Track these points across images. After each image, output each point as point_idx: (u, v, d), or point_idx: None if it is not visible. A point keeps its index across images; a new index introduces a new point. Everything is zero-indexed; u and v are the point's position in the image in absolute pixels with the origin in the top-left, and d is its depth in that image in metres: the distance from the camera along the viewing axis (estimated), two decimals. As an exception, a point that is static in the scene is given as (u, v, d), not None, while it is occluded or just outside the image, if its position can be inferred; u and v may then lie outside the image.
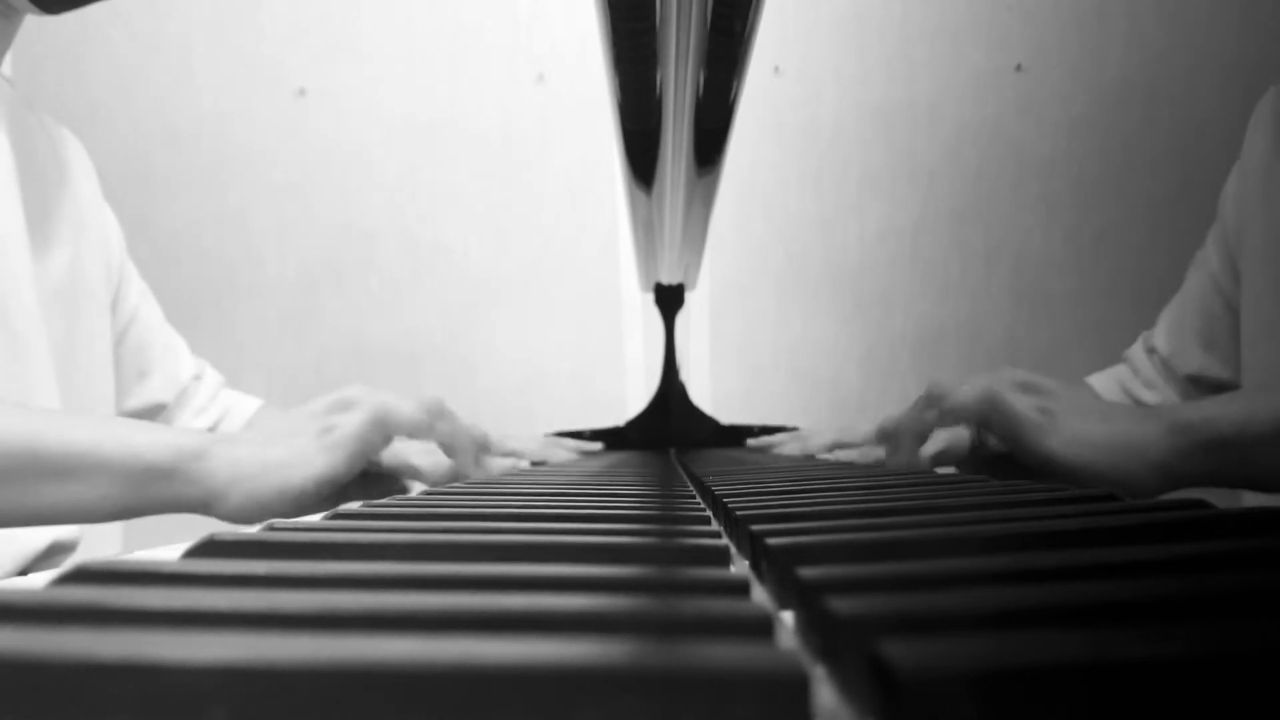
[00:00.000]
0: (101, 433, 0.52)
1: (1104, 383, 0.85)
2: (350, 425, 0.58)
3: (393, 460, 0.80)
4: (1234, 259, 0.78)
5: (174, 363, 0.83)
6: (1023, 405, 0.58)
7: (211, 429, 0.83)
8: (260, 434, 0.58)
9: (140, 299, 0.82)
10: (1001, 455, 0.67)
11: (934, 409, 0.62)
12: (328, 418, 0.59)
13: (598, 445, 0.98)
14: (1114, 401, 0.60)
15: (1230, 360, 0.78)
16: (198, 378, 0.85)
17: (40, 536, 0.63)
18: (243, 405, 0.86)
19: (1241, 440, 0.54)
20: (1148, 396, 0.82)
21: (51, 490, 0.51)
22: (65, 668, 0.11)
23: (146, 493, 0.52)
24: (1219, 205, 0.81)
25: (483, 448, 0.68)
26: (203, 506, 0.54)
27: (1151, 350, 0.84)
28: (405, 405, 0.60)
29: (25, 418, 0.52)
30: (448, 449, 0.64)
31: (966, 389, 0.61)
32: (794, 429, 0.98)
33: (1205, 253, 0.82)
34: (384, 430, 0.59)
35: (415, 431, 0.61)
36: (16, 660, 0.11)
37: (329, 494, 0.58)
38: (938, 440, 0.75)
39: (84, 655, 0.11)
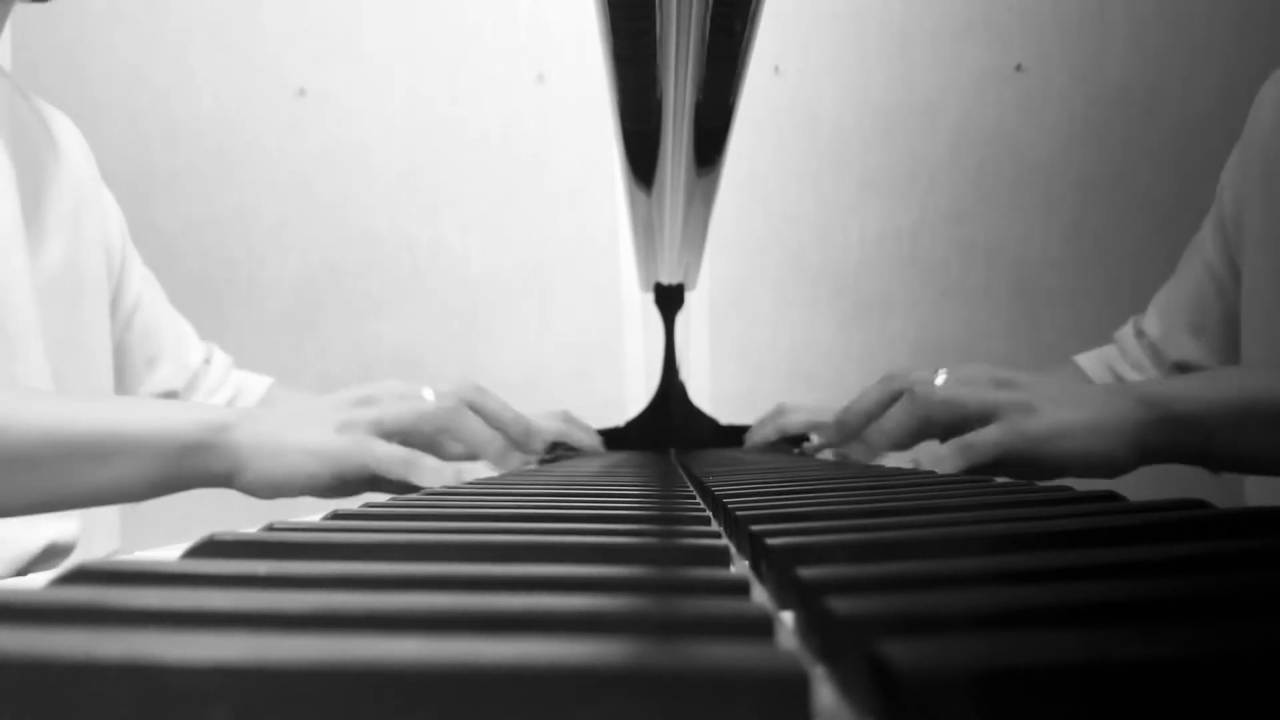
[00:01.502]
0: (134, 413, 0.54)
1: (1091, 363, 0.85)
2: (369, 420, 0.58)
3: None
4: (1230, 245, 0.77)
5: (183, 349, 0.83)
6: (1005, 404, 0.58)
7: None
8: (286, 413, 0.58)
9: (143, 285, 0.81)
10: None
11: (911, 412, 0.61)
12: (350, 411, 0.59)
13: (599, 445, 0.98)
14: (1081, 383, 0.61)
15: (1218, 349, 0.78)
16: (207, 361, 0.84)
17: (37, 537, 0.63)
18: (254, 384, 0.86)
19: (1202, 420, 0.55)
20: (1134, 379, 0.81)
21: (92, 472, 0.52)
22: (65, 668, 0.11)
23: (180, 467, 0.54)
24: (1217, 190, 0.80)
25: (516, 441, 0.67)
26: (227, 479, 0.56)
27: (1141, 333, 0.83)
28: (422, 412, 0.60)
29: (49, 403, 0.54)
30: (470, 445, 0.64)
31: (943, 392, 0.60)
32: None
33: (1201, 238, 0.82)
34: (403, 434, 0.59)
35: (436, 436, 0.62)
36: (16, 660, 0.11)
37: (343, 488, 0.58)
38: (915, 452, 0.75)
39: (84, 655, 0.11)
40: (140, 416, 0.54)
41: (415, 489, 0.62)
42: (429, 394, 0.62)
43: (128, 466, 0.53)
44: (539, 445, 0.69)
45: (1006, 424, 0.57)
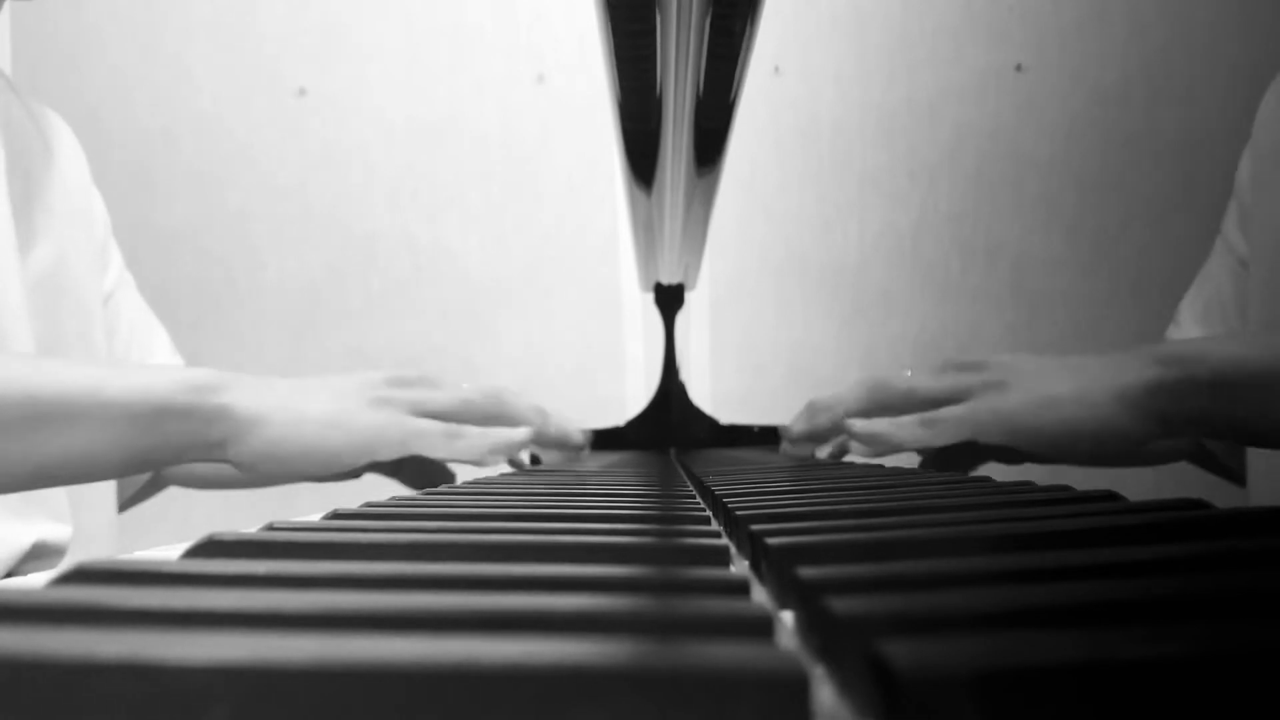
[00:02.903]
0: (105, 374, 0.48)
1: None
2: (408, 400, 0.53)
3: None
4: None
5: (146, 357, 0.81)
6: (974, 385, 0.52)
7: None
8: (295, 383, 0.53)
9: (118, 288, 0.80)
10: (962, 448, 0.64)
11: (870, 399, 0.56)
12: (385, 389, 0.54)
13: (580, 439, 0.96)
14: (1075, 357, 0.53)
15: None
16: None
17: (24, 536, 0.62)
18: None
19: (1236, 379, 0.47)
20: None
21: (56, 438, 0.46)
22: (65, 668, 0.11)
23: (161, 434, 0.48)
24: (1235, 187, 0.79)
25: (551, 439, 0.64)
26: (220, 448, 0.49)
27: None
28: (466, 399, 0.56)
29: (21, 364, 0.48)
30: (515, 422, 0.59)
31: (902, 383, 0.55)
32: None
33: (1226, 238, 0.80)
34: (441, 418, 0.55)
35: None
36: (16, 660, 0.11)
37: (355, 474, 0.54)
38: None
39: (84, 655, 0.11)
40: (116, 375, 0.48)
41: (432, 481, 0.61)
42: (466, 386, 0.58)
43: (97, 432, 0.46)
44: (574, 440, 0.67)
45: (975, 401, 0.51)
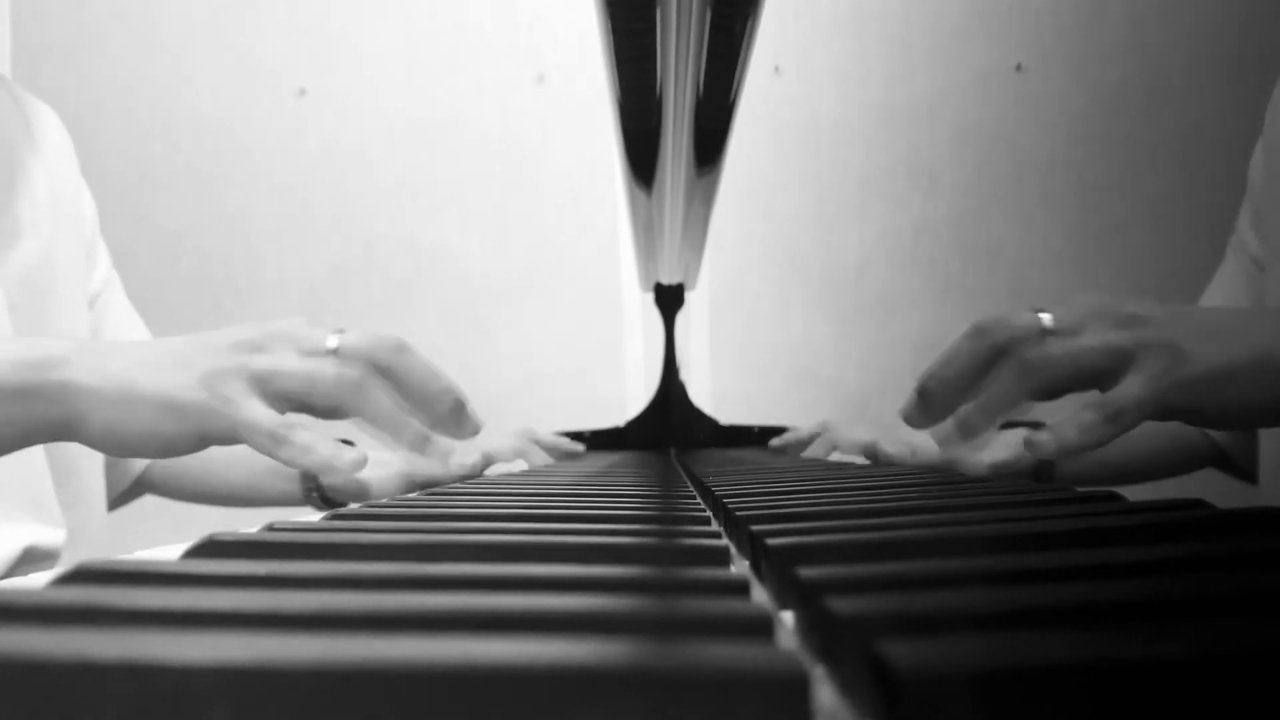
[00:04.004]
0: None
1: None
2: (248, 373, 0.46)
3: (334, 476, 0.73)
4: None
5: None
6: (1145, 344, 0.43)
7: None
8: (143, 351, 0.47)
9: (105, 288, 0.79)
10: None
11: (1023, 386, 0.45)
12: (225, 357, 0.47)
13: (580, 447, 0.97)
14: (1221, 308, 0.45)
15: None
16: None
17: (15, 540, 0.61)
18: None
19: None
20: None
21: None
22: (65, 668, 0.11)
23: (5, 414, 0.45)
24: (1248, 185, 0.78)
25: (440, 420, 0.52)
26: (65, 428, 0.46)
27: None
28: (315, 380, 0.47)
29: None
30: (375, 429, 0.49)
31: (1061, 351, 0.44)
32: (790, 428, 0.98)
33: (1239, 237, 0.79)
34: (288, 398, 0.47)
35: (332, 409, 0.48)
36: (16, 660, 0.11)
37: (209, 445, 0.47)
38: (999, 448, 0.69)
39: (84, 655, 0.11)
40: None
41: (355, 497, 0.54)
42: (333, 341, 0.48)
43: None
44: (472, 434, 0.57)
45: (1152, 372, 0.43)
